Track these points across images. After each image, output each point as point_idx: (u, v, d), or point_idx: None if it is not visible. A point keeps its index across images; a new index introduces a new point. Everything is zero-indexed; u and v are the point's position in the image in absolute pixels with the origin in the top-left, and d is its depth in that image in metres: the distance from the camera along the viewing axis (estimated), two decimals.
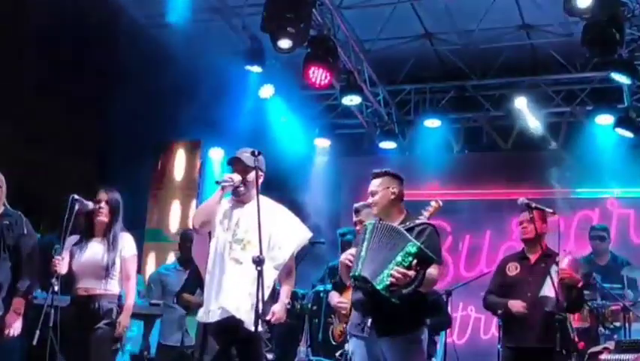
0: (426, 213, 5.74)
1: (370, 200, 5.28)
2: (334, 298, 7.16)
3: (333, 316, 7.96)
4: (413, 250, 4.82)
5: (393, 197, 5.23)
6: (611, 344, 6.66)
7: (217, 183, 5.63)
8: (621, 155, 10.91)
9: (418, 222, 5.15)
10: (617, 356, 6.45)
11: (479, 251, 11.39)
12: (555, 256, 6.51)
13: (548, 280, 6.26)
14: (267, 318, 5.56)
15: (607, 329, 7.50)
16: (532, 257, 6.56)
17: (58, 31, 9.31)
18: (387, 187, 5.24)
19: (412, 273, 4.78)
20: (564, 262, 6.38)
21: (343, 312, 6.99)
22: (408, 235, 4.93)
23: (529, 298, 6.42)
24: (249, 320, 5.23)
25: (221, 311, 5.42)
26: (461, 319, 11.16)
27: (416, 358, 5.06)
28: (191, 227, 6.15)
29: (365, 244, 4.98)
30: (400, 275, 4.75)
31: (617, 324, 7.46)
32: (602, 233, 8.76)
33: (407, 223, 5.08)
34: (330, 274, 8.19)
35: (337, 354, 6.89)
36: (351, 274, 5.00)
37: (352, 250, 5.15)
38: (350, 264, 5.04)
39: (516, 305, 6.44)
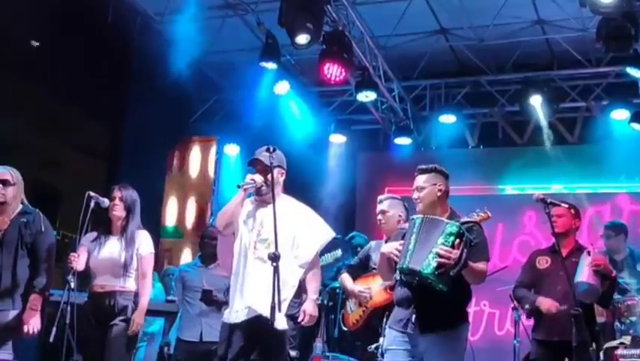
0: (477, 218, 5.75)
1: (415, 196, 5.20)
2: (348, 283, 7.08)
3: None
4: (454, 229, 4.79)
5: (439, 194, 5.16)
6: (627, 339, 6.64)
7: (238, 186, 5.63)
8: (637, 150, 10.88)
9: (464, 220, 5.08)
10: (633, 351, 6.44)
11: (492, 245, 11.28)
12: (585, 249, 6.50)
13: (581, 267, 6.24)
14: (299, 319, 5.56)
15: (623, 323, 7.45)
16: (564, 251, 6.43)
17: (73, 29, 9.35)
18: (434, 184, 5.17)
19: (455, 252, 4.72)
20: (596, 253, 6.38)
21: (363, 300, 6.97)
22: (446, 220, 4.91)
23: (560, 291, 6.32)
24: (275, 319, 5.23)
25: (248, 311, 5.44)
26: (475, 314, 11.09)
27: (457, 355, 5.02)
28: (207, 224, 6.16)
29: (413, 237, 4.89)
30: (444, 253, 4.70)
31: (633, 319, 7.42)
32: (608, 231, 8.71)
33: (453, 221, 4.98)
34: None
35: (373, 347, 6.80)
36: (398, 267, 4.93)
37: (395, 243, 5.07)
38: (395, 258, 4.98)
39: (546, 303, 6.34)
